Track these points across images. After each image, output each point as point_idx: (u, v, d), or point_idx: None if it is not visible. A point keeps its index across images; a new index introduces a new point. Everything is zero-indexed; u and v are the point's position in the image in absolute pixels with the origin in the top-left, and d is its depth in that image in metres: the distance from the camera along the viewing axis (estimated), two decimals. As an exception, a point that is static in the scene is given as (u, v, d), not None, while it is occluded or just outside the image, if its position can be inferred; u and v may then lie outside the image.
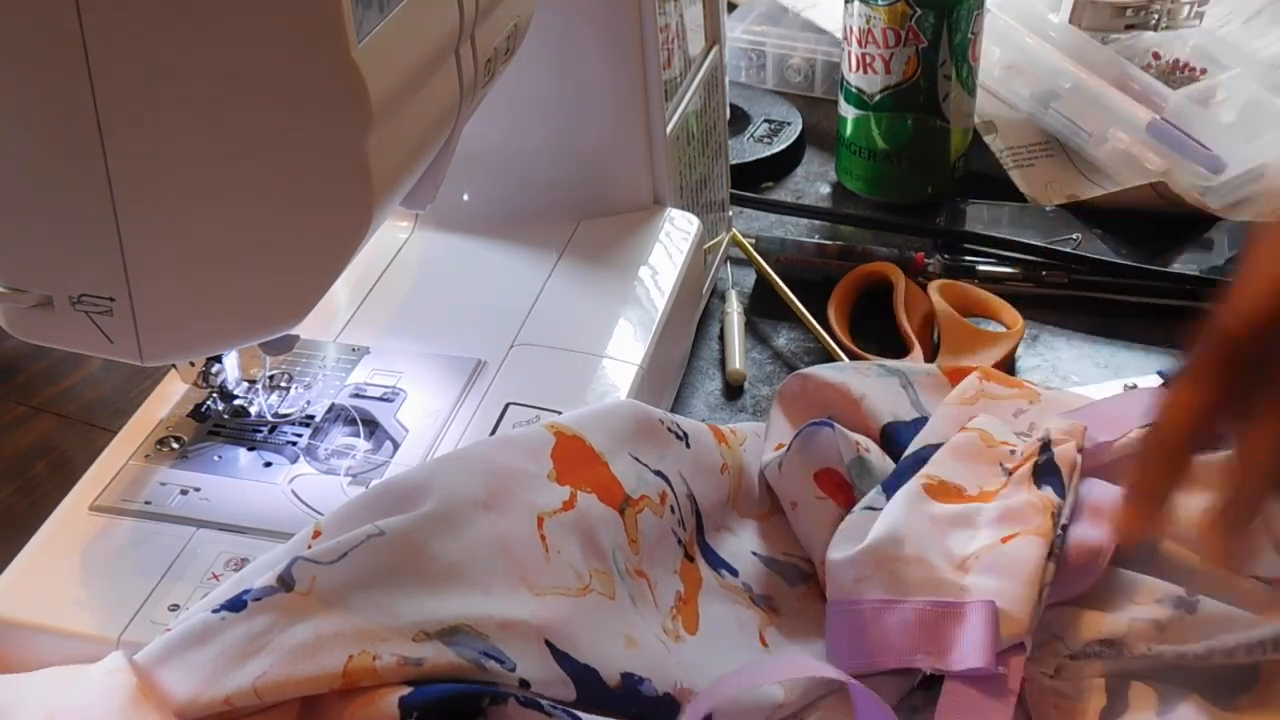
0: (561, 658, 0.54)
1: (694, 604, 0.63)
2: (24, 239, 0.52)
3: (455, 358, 0.72)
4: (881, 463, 0.65)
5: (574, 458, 0.61)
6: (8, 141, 0.50)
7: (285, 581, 0.54)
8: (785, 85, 1.12)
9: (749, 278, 0.91)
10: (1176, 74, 1.02)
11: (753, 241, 0.90)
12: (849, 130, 0.97)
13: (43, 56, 0.48)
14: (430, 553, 0.55)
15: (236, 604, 0.53)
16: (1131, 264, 0.88)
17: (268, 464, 0.66)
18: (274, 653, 0.52)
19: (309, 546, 0.56)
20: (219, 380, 0.68)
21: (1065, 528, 0.61)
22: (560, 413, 0.67)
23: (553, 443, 0.61)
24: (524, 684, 0.53)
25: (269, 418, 0.68)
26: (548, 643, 0.54)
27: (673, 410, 0.80)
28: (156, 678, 0.53)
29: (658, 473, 0.63)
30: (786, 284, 0.87)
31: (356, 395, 0.70)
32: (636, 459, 0.63)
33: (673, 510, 0.63)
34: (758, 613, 0.64)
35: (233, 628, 0.53)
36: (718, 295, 0.89)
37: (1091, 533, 0.60)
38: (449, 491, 0.57)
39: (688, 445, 0.66)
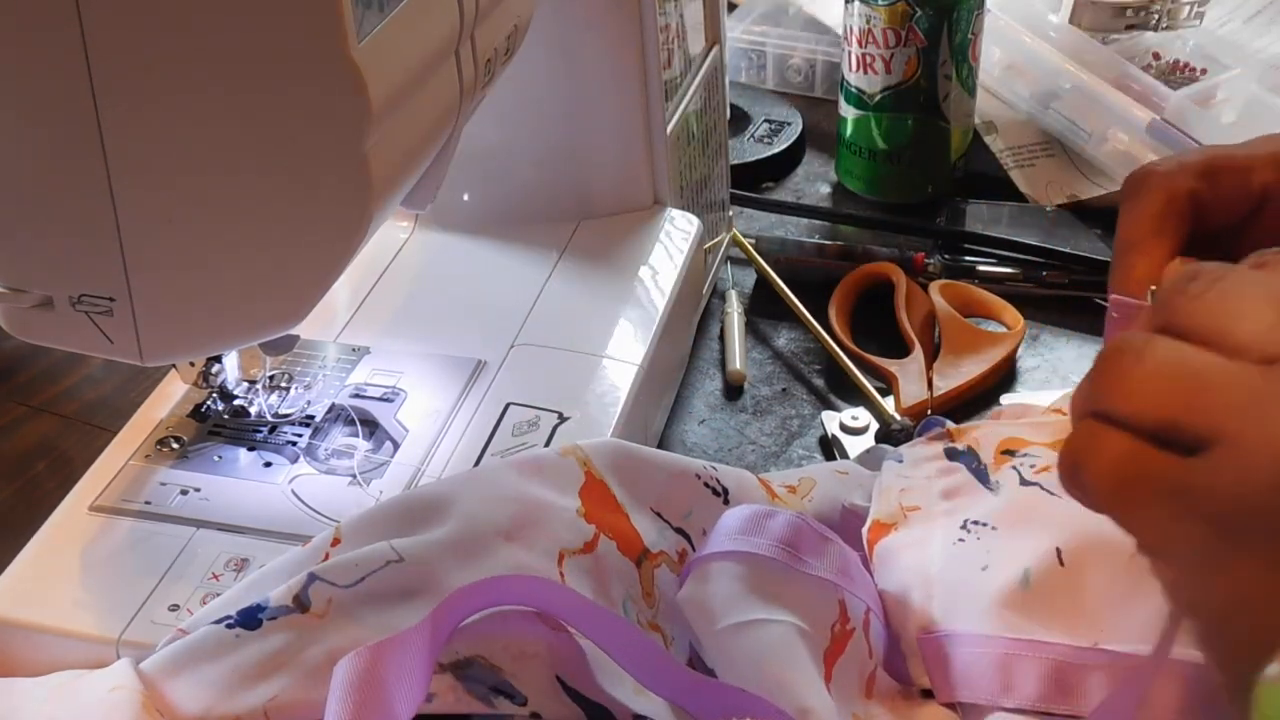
0: (571, 693, 0.54)
1: None
2: (24, 239, 0.52)
3: (455, 358, 0.72)
4: None
5: (599, 501, 0.59)
6: (8, 141, 0.50)
7: (301, 602, 0.54)
8: (785, 85, 1.12)
9: (749, 278, 0.91)
10: (1176, 74, 1.02)
11: (753, 241, 0.90)
12: (849, 130, 0.97)
13: (43, 56, 0.48)
14: (449, 583, 0.54)
15: (251, 620, 0.54)
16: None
17: (268, 464, 0.66)
18: (287, 675, 0.53)
19: (326, 556, 0.56)
20: (219, 380, 0.68)
21: None
22: (559, 413, 0.68)
23: (582, 481, 0.60)
24: (536, 716, 0.53)
25: (269, 418, 0.68)
26: (558, 678, 0.54)
27: (672, 411, 0.80)
28: (165, 688, 0.53)
29: (679, 530, 0.61)
30: (787, 284, 0.87)
31: (356, 395, 0.70)
32: (659, 515, 0.61)
33: None
34: None
35: (246, 645, 0.53)
36: (718, 295, 0.89)
37: None
38: (471, 514, 0.56)
39: (726, 502, 0.62)
